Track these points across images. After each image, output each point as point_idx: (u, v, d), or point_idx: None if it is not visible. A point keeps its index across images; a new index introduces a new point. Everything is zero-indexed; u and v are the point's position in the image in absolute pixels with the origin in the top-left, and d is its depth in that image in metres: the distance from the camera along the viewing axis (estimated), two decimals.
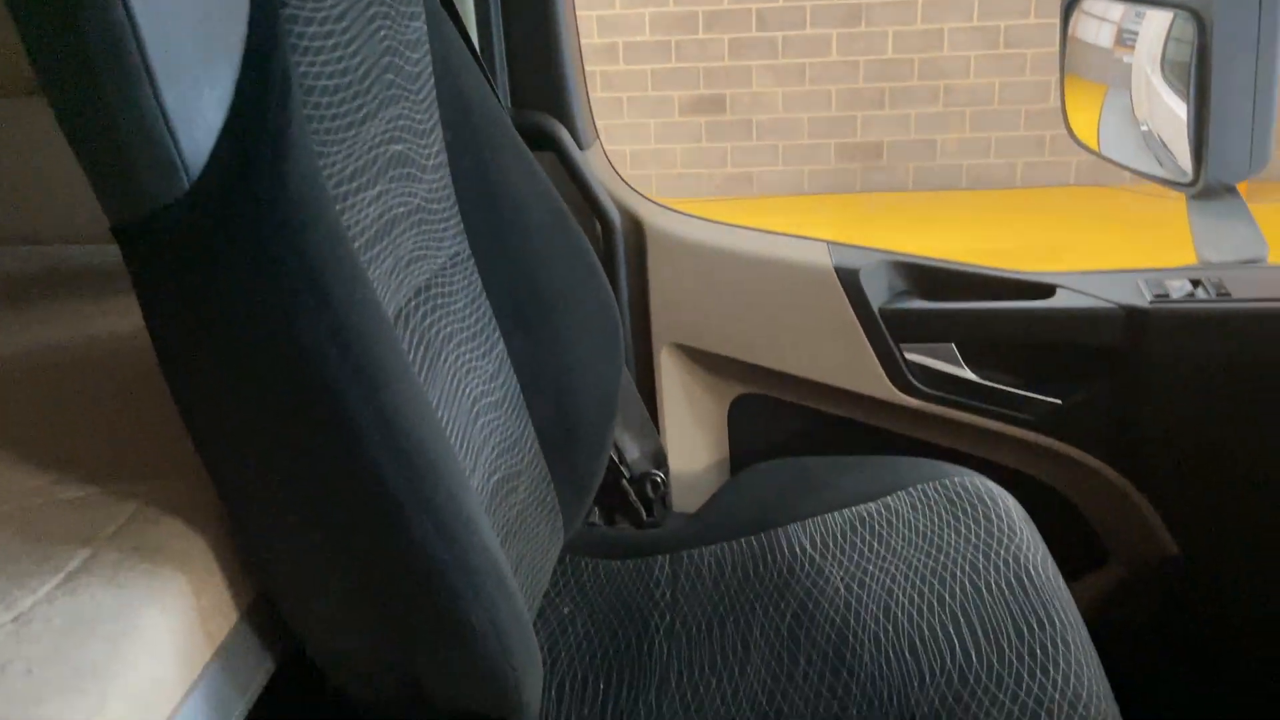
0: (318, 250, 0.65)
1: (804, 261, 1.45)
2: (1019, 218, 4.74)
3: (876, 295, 1.44)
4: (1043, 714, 0.88)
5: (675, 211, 1.53)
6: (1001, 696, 0.90)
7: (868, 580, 1.09)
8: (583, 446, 1.10)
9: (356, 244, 0.76)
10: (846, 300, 1.43)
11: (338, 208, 0.74)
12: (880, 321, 1.42)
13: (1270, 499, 1.35)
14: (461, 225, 0.99)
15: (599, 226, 1.46)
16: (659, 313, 1.52)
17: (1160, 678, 1.47)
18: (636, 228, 1.49)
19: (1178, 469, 1.39)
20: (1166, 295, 1.33)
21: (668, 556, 1.19)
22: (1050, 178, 4.99)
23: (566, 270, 1.10)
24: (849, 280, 1.43)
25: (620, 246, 1.47)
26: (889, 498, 1.22)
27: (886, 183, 5.09)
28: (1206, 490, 1.38)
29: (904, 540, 1.14)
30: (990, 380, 1.44)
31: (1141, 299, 1.33)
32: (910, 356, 1.44)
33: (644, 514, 1.40)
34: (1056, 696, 0.89)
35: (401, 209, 0.87)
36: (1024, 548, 1.11)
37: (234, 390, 0.65)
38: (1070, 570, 1.33)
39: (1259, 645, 1.40)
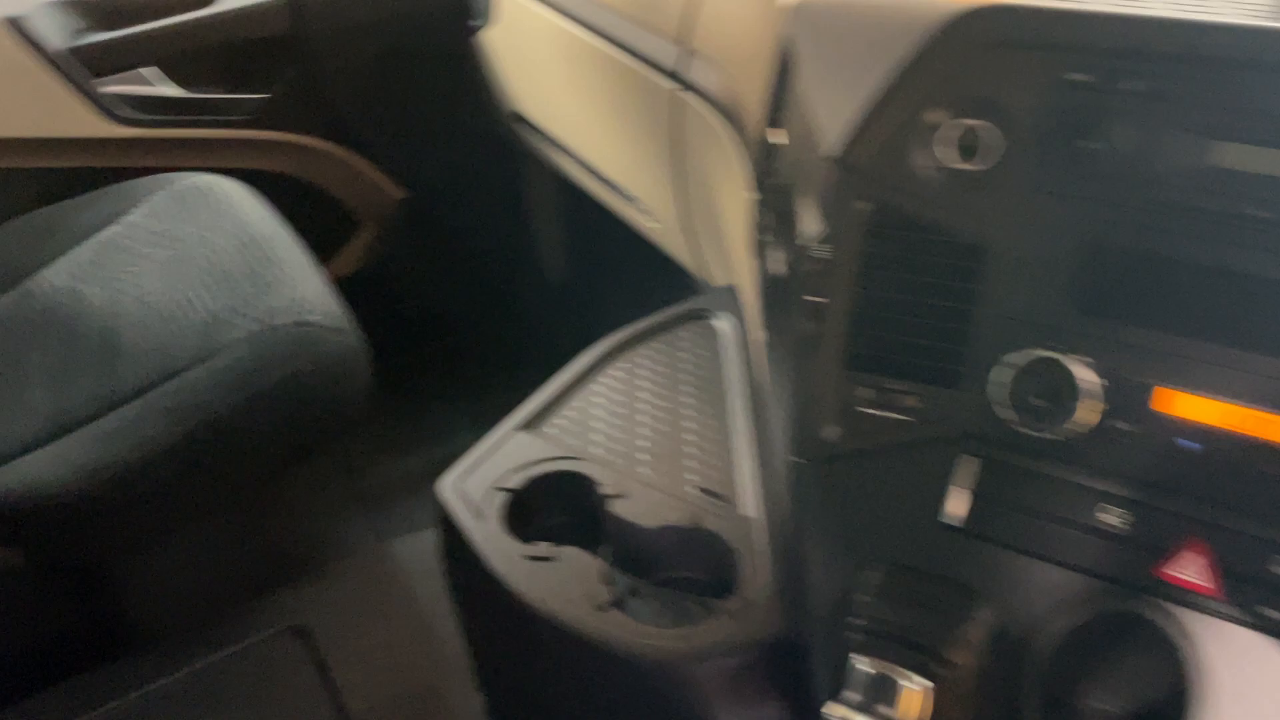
0: None
1: None
2: None
3: (58, 38, 1.45)
4: (272, 321, 1.11)
5: None
6: (239, 321, 1.12)
7: (126, 287, 1.21)
8: None
9: None
10: (25, 49, 1.42)
11: None
12: (68, 61, 1.44)
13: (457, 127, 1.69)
14: None
15: None
16: None
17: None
18: None
19: (376, 128, 1.67)
20: None
21: None
22: None
23: None
24: (21, 29, 1.41)
25: None
26: (127, 216, 1.32)
27: None
28: (403, 139, 1.69)
29: (148, 243, 1.27)
30: (202, 92, 1.57)
31: None
32: (113, 89, 1.49)
33: None
34: (280, 305, 1.13)
35: None
36: (253, 220, 1.31)
37: None
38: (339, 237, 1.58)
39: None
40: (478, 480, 0.89)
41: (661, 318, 1.10)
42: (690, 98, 1.11)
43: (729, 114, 1.03)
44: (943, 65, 0.63)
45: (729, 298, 1.11)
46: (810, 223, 0.71)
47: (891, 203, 0.67)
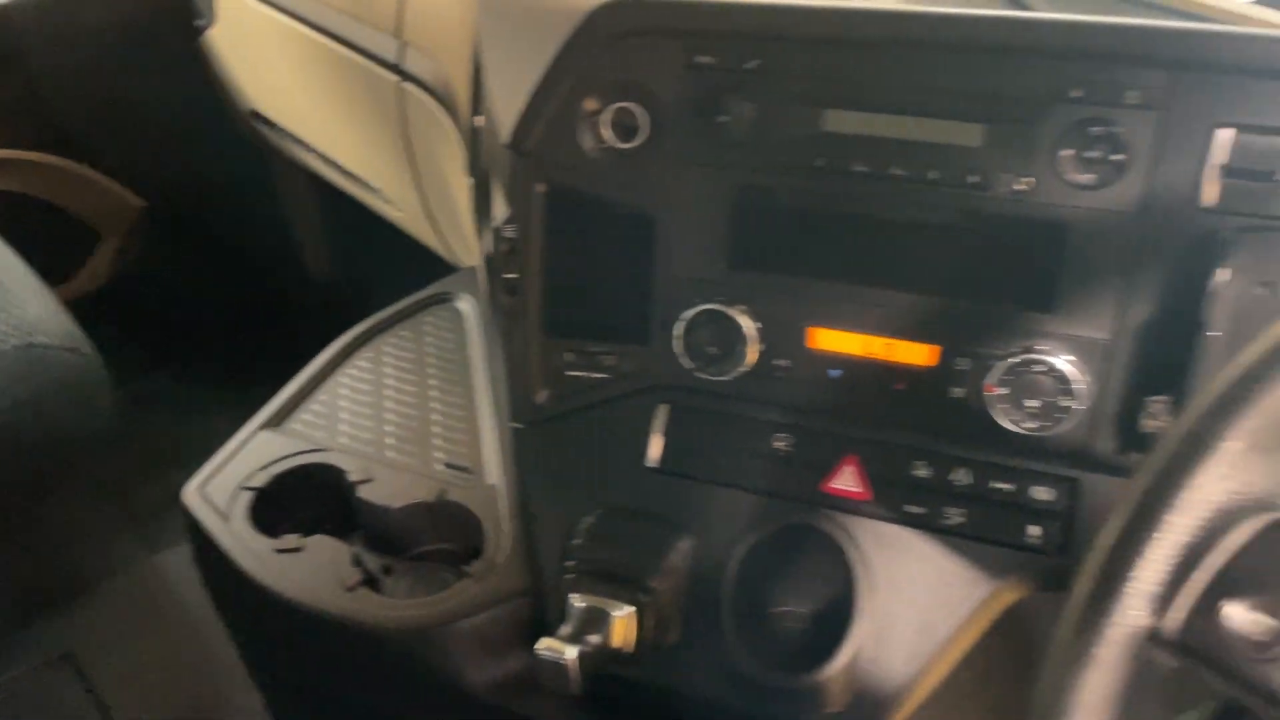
0: None
1: None
2: None
3: None
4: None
5: None
6: None
7: None
8: None
9: None
10: None
11: None
12: None
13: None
14: None
15: None
16: None
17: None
18: None
19: (106, 137, 1.61)
20: None
21: None
22: None
23: None
24: None
25: None
26: None
27: None
28: (136, 146, 1.63)
29: None
30: None
31: None
32: None
33: None
34: (3, 329, 1.10)
35: None
36: None
37: None
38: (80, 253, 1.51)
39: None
40: (222, 482, 0.90)
41: (404, 305, 1.13)
42: (411, 88, 1.14)
43: (445, 102, 1.07)
44: (589, 54, 0.69)
45: (471, 279, 1.15)
46: (499, 205, 0.77)
47: (565, 183, 0.73)
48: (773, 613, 0.75)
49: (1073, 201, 0.63)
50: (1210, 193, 0.61)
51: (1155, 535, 0.35)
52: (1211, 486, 0.35)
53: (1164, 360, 0.63)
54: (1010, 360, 0.66)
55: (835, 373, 0.72)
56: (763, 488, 0.74)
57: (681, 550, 0.74)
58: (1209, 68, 0.60)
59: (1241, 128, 0.60)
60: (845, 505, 0.73)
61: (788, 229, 0.71)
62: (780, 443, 0.74)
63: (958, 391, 0.69)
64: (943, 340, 0.69)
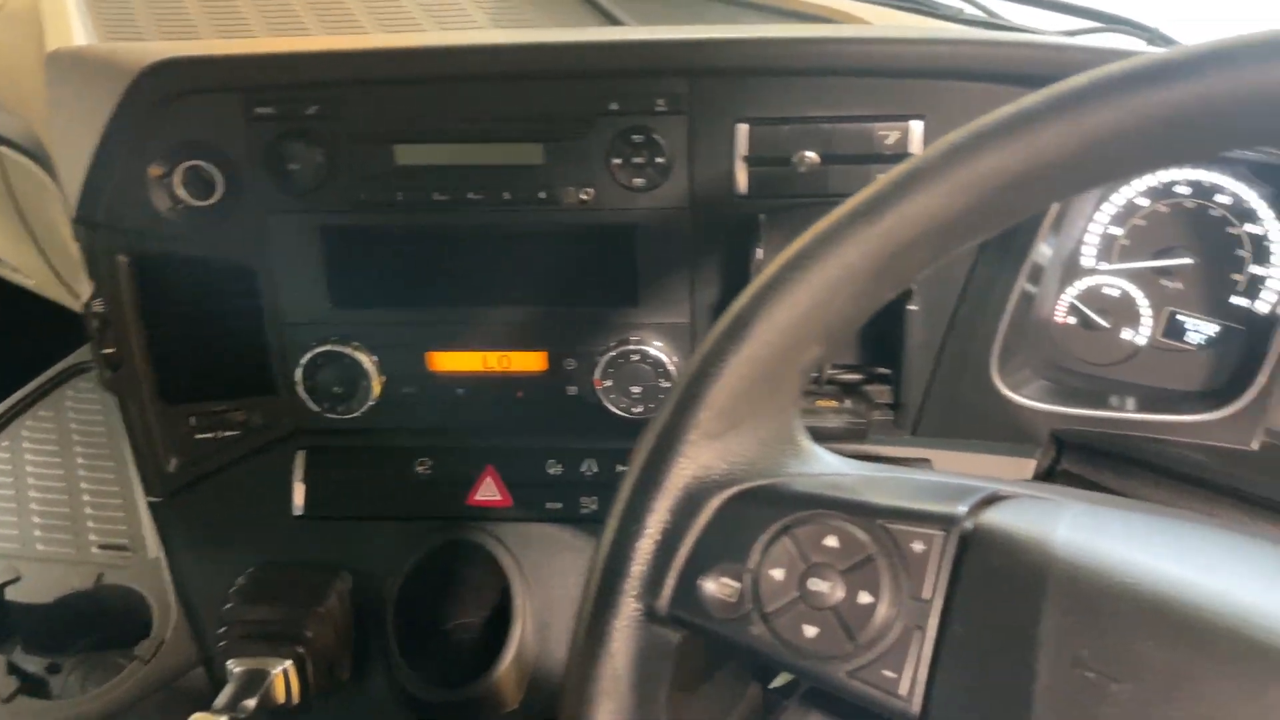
0: None
1: None
2: None
3: None
4: None
5: None
6: None
7: None
8: None
9: None
10: None
11: None
12: None
13: None
14: None
15: None
16: None
17: None
18: None
19: None
20: None
21: None
22: None
23: None
24: None
25: None
26: None
27: None
28: None
29: None
30: None
31: None
32: None
33: None
34: None
35: None
36: None
37: None
38: None
39: None
40: None
41: (41, 381, 1.06)
42: (6, 150, 1.06)
43: (43, 162, 1.00)
44: (144, 117, 0.67)
45: None
46: (82, 280, 0.73)
47: (149, 249, 0.71)
48: (446, 629, 0.77)
49: (632, 204, 0.69)
50: (742, 181, 0.68)
51: (639, 529, 0.40)
52: (678, 477, 0.40)
53: None
54: (610, 354, 0.71)
55: (461, 391, 0.75)
56: (411, 513, 0.76)
57: (340, 591, 0.75)
58: (723, 71, 0.67)
59: (755, 121, 0.67)
60: (491, 514, 0.76)
61: (384, 262, 0.72)
62: (422, 467, 0.76)
63: (572, 390, 0.74)
64: (550, 345, 0.73)
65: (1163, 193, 0.71)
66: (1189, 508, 0.70)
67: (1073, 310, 0.75)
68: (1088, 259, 0.74)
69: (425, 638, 0.76)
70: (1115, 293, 0.74)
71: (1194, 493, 0.70)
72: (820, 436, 0.74)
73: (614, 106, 0.67)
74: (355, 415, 0.74)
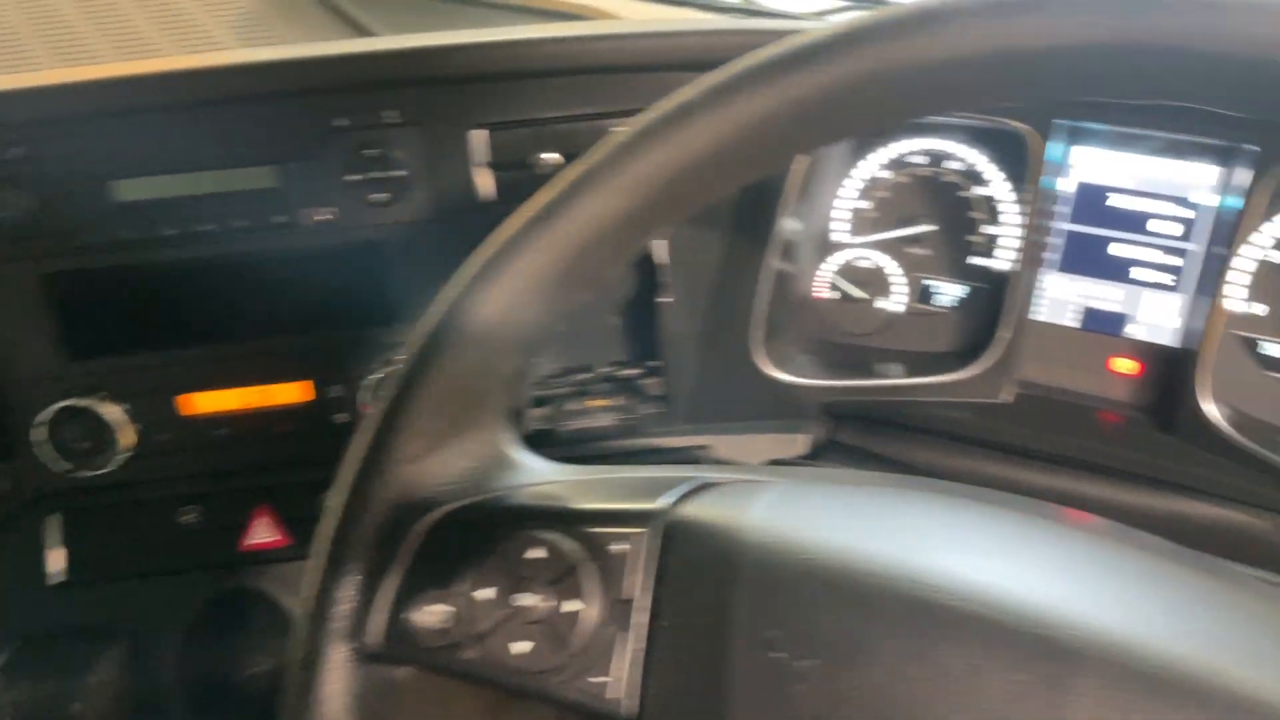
0: None
1: None
2: None
3: None
4: None
5: None
6: None
7: None
8: None
9: None
10: None
11: None
12: None
13: None
14: None
15: None
16: None
17: None
18: None
19: None
20: None
21: None
22: None
23: None
24: None
25: None
26: None
27: None
28: None
29: None
30: None
31: None
32: None
33: None
34: None
35: None
36: None
37: None
38: None
39: None
40: None
41: None
42: None
43: None
44: None
45: None
46: None
47: None
48: (236, 682, 0.73)
49: (376, 220, 0.67)
50: (485, 188, 0.67)
51: (339, 568, 0.39)
52: (378, 508, 0.39)
53: None
54: (375, 376, 0.69)
55: (221, 432, 0.71)
56: (181, 566, 0.72)
57: (114, 658, 0.70)
58: (453, 78, 0.65)
59: (493, 126, 0.66)
60: (270, 556, 0.73)
61: (120, 306, 0.68)
62: (188, 516, 0.72)
63: (341, 417, 0.71)
64: (313, 374, 0.70)
65: (900, 164, 0.74)
66: (954, 465, 0.73)
67: (832, 285, 0.77)
68: (839, 234, 0.76)
69: (215, 693, 0.72)
70: (869, 264, 0.76)
71: (959, 449, 0.73)
72: (593, 436, 0.74)
73: (343, 122, 0.65)
74: (109, 470, 0.70)
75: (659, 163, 0.37)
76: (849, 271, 0.76)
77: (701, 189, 0.38)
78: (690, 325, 0.71)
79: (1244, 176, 0.63)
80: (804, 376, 0.73)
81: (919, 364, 0.75)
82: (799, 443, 0.74)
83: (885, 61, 0.34)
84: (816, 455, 0.74)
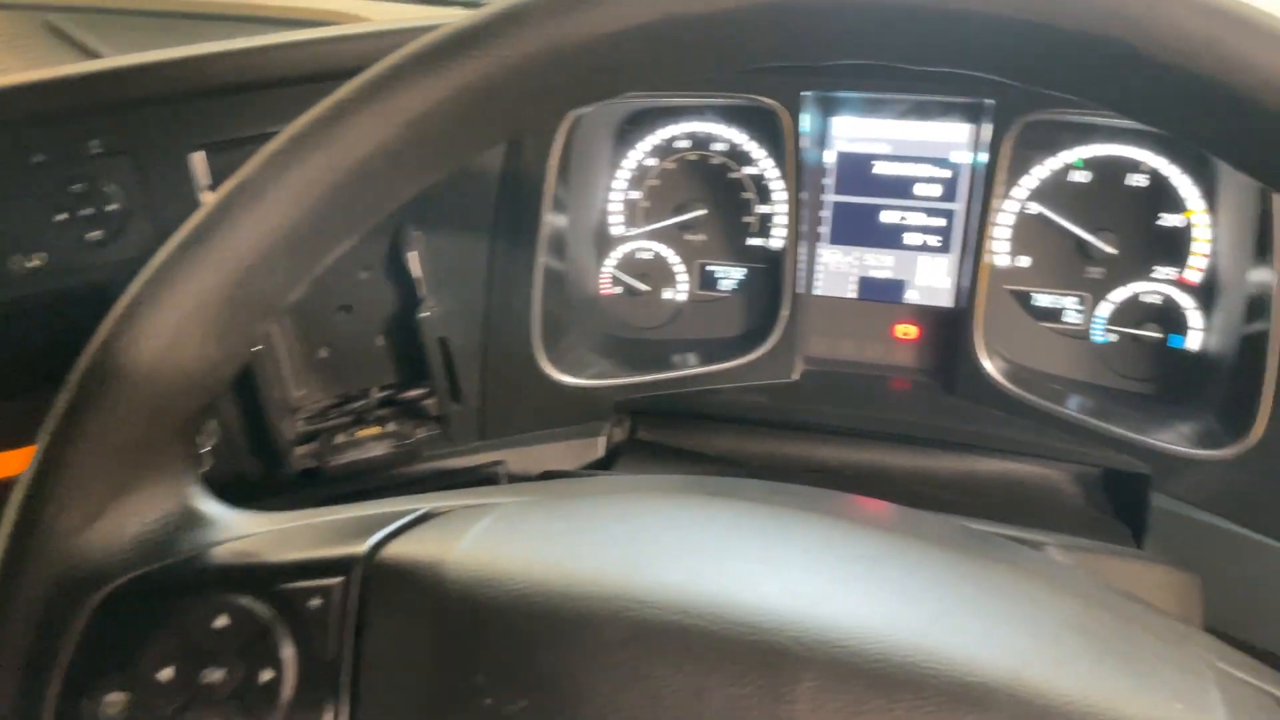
0: None
1: None
2: None
3: None
4: None
5: None
6: None
7: None
8: None
9: None
10: None
11: None
12: None
13: None
14: None
15: None
16: None
17: None
18: None
19: None
20: None
21: None
22: None
23: None
24: None
25: None
26: None
27: None
28: None
29: None
30: None
31: None
32: None
33: None
34: None
35: None
36: None
37: None
38: None
39: None
40: None
41: None
42: None
43: None
44: None
45: None
46: None
47: None
48: None
49: (96, 261, 0.60)
50: None
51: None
52: (32, 591, 0.34)
53: None
54: None
55: None
56: None
57: None
58: (164, 98, 0.60)
59: (211, 147, 0.60)
60: None
61: None
62: None
63: None
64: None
65: (667, 150, 0.72)
66: (751, 450, 0.71)
67: (614, 280, 0.74)
68: (616, 227, 0.74)
69: None
70: (649, 255, 0.74)
71: (755, 433, 0.72)
72: (369, 467, 0.69)
73: (40, 159, 0.58)
74: None
75: (321, 167, 0.33)
76: (629, 265, 0.74)
77: (381, 192, 0.34)
78: (466, 335, 0.67)
79: (988, 131, 0.63)
80: (596, 377, 0.70)
81: (711, 351, 0.73)
82: (598, 445, 0.71)
83: (547, 41, 0.31)
84: (615, 456, 0.71)
